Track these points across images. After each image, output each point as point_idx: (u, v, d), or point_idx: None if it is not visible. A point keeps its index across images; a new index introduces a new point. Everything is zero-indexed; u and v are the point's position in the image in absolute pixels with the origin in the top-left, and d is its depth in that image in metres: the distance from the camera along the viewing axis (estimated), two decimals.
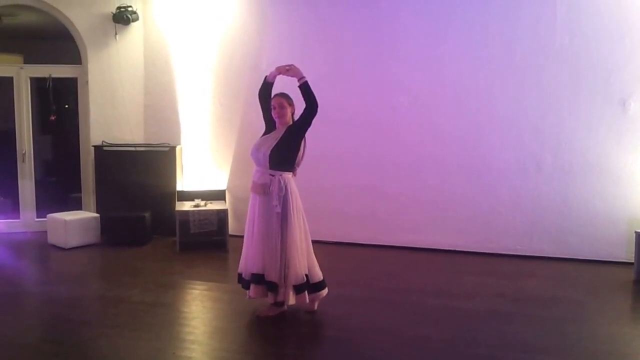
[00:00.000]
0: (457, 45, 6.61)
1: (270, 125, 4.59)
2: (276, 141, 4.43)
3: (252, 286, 4.48)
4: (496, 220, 6.56)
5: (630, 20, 6.02)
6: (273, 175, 4.41)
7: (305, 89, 4.42)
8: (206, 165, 7.61)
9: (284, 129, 4.50)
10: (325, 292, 4.63)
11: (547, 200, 6.40)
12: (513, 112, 6.46)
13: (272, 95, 4.57)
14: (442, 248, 6.74)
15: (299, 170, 4.65)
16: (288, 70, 4.48)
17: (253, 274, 4.47)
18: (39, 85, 7.84)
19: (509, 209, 6.52)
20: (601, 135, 6.20)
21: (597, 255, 6.25)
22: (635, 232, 5.73)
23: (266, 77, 4.61)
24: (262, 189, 4.44)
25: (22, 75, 7.66)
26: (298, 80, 4.44)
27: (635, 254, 5.70)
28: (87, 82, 7.60)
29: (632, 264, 5.77)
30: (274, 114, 4.51)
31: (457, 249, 6.69)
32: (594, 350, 4.02)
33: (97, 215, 7.26)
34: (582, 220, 6.30)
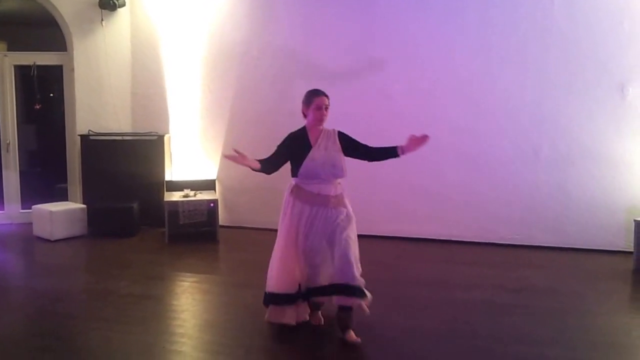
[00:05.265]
0: (454, 32, 6.49)
1: (299, 151, 4.10)
2: (340, 151, 4.14)
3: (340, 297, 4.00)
4: (493, 209, 6.48)
5: (629, 3, 5.92)
6: (339, 184, 4.19)
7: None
8: (195, 154, 7.48)
9: (326, 136, 4.15)
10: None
11: (545, 188, 6.32)
12: (511, 99, 6.36)
13: (315, 94, 4.11)
14: (438, 238, 6.66)
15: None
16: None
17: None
18: (23, 73, 7.71)
19: (507, 198, 6.44)
20: (600, 121, 6.12)
21: (596, 245, 6.19)
22: (635, 220, 5.66)
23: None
24: (339, 201, 4.13)
25: (6, 63, 7.50)
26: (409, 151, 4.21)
27: (634, 243, 5.64)
28: (72, 69, 7.45)
29: (631, 253, 5.72)
30: (318, 115, 4.08)
31: (453, 239, 6.61)
32: (593, 342, 3.96)
33: (84, 206, 7.12)
34: (581, 209, 6.23)
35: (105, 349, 3.86)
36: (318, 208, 4.04)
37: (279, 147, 4.18)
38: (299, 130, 4.18)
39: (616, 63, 6.02)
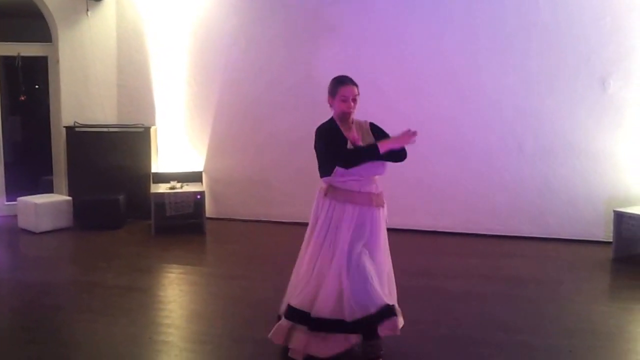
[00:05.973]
0: (440, 26, 6.52)
1: (340, 143, 3.54)
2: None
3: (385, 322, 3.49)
4: (477, 200, 6.54)
5: None
6: (377, 180, 3.70)
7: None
8: (182, 146, 7.45)
9: (359, 128, 3.66)
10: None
11: (528, 180, 6.40)
12: (495, 92, 6.41)
13: (341, 83, 3.58)
14: (424, 229, 6.70)
15: None
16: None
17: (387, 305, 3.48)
18: (7, 64, 7.63)
19: (490, 190, 6.50)
20: (582, 115, 6.19)
21: (577, 235, 6.28)
22: (614, 211, 5.75)
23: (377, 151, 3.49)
24: (380, 199, 3.68)
25: None
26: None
27: (613, 233, 5.73)
28: (57, 60, 7.37)
29: (610, 243, 5.81)
30: (344, 108, 3.54)
31: (437, 230, 6.67)
32: (572, 329, 4.04)
33: (69, 198, 7.08)
34: (562, 200, 6.32)
35: (92, 340, 3.87)
36: (361, 208, 3.54)
37: (330, 140, 3.56)
38: (328, 122, 3.63)
39: (598, 56, 6.08)
